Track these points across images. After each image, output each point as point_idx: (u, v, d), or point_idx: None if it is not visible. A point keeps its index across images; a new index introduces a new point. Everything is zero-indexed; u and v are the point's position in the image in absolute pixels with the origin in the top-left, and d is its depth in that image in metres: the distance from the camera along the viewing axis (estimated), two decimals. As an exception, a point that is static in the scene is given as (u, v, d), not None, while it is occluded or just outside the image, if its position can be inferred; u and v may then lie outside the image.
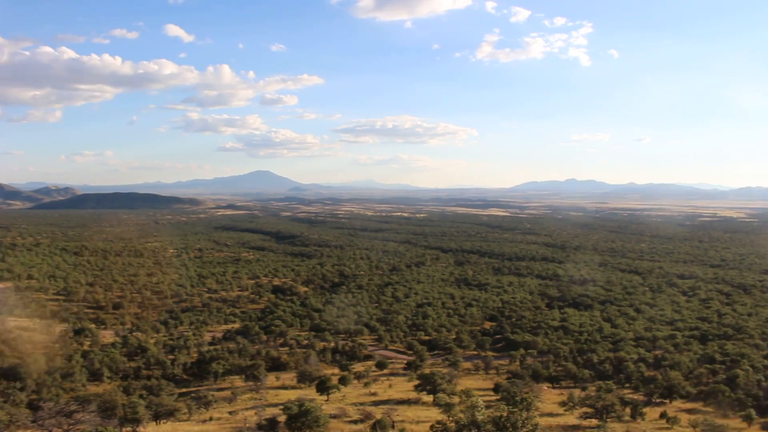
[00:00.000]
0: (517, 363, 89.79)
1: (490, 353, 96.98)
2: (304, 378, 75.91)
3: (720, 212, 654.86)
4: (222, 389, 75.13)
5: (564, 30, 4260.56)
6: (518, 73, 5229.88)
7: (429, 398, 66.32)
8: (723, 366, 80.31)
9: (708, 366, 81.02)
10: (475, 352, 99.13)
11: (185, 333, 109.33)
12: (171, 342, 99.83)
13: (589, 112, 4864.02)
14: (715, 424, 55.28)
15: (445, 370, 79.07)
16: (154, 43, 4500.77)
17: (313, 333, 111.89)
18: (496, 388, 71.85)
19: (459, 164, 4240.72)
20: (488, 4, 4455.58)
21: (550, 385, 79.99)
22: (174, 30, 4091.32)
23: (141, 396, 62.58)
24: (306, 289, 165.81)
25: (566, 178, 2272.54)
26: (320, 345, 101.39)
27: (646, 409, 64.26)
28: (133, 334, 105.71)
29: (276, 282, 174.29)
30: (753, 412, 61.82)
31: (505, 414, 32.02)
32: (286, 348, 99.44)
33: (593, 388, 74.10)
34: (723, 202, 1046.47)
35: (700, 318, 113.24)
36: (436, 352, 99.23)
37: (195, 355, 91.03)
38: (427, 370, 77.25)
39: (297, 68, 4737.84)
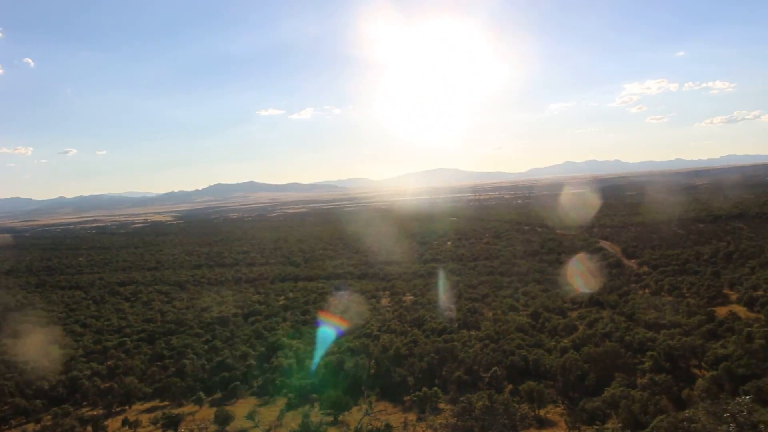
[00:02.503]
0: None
1: None
2: None
3: (150, 218, 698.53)
4: None
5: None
6: None
7: None
8: (172, 360, 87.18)
9: (159, 363, 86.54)
10: None
11: None
12: None
13: (7, 124, 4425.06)
14: (172, 415, 60.63)
15: None
16: None
17: None
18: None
19: None
20: None
21: (-2, 428, 71.78)
22: None
23: None
24: None
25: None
26: None
27: (108, 421, 65.20)
28: None
29: None
30: (202, 394, 70.23)
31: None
32: None
33: (49, 417, 70.40)
34: (152, 208, 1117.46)
35: (146, 320, 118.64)
36: None
37: None
38: None
39: None
